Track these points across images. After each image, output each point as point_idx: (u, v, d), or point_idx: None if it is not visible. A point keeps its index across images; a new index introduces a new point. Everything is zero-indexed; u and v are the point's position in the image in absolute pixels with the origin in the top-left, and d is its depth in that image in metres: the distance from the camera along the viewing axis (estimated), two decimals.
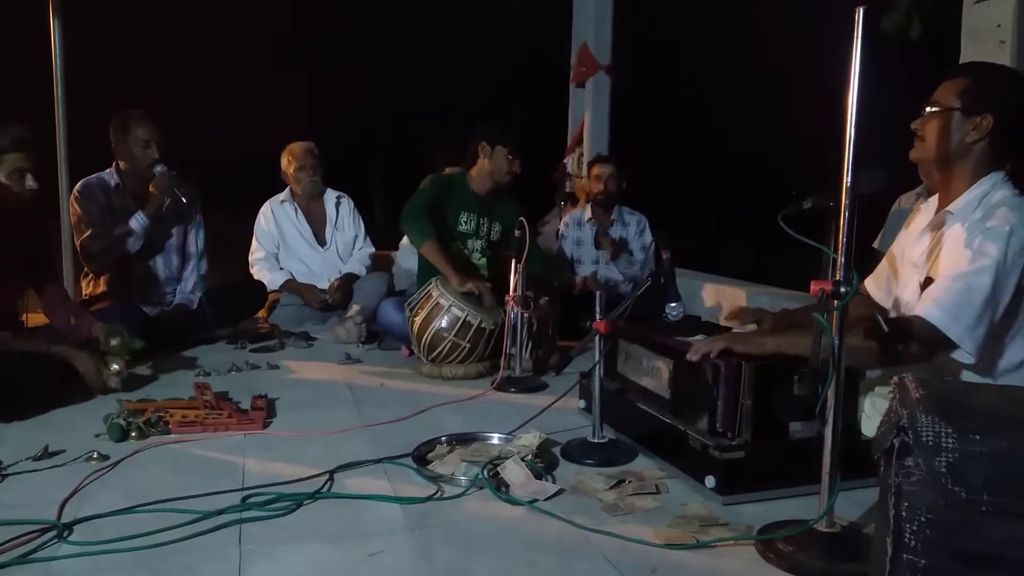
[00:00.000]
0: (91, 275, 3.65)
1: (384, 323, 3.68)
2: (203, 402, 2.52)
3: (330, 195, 4.48)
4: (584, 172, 5.06)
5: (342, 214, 4.48)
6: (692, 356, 2.00)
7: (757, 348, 1.96)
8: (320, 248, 4.41)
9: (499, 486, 1.93)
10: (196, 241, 3.88)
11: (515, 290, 3.06)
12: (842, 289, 1.51)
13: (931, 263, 1.99)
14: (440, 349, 3.11)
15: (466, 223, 3.62)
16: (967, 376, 1.93)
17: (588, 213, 4.55)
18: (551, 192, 5.97)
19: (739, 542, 1.66)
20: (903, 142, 2.05)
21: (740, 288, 4.23)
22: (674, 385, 2.10)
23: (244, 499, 1.85)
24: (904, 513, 1.16)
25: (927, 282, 1.95)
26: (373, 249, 4.51)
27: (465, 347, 3.10)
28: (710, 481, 1.86)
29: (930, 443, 1.13)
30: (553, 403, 2.49)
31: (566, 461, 2.16)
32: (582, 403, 2.60)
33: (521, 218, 3.18)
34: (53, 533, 1.66)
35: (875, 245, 3.41)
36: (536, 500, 1.86)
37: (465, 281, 3.23)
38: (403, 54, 16.12)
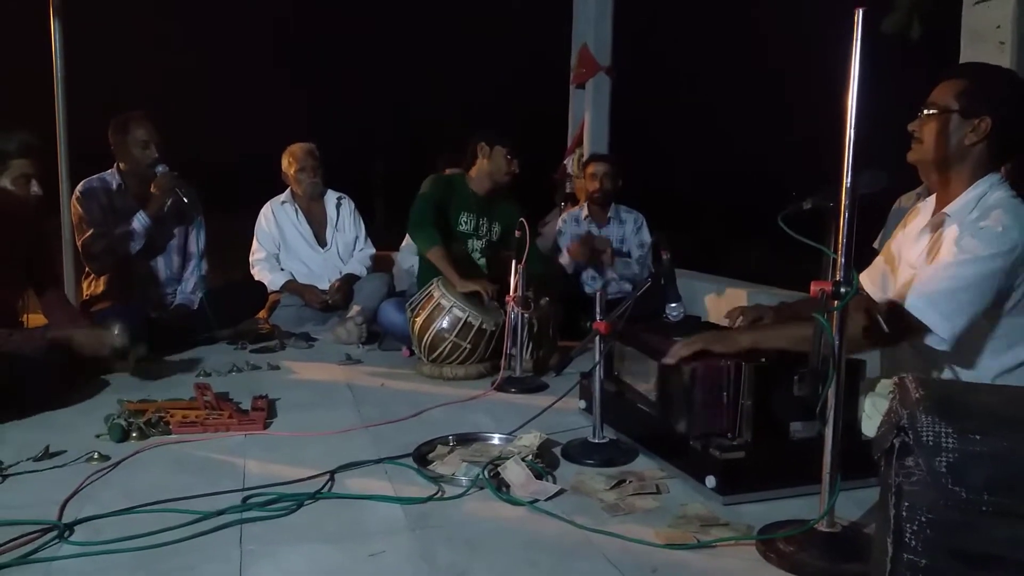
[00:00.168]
0: (92, 275, 3.66)
1: (385, 323, 3.69)
2: (204, 402, 2.52)
3: (331, 196, 4.49)
4: (582, 172, 5.05)
5: (343, 215, 4.48)
6: (669, 359, 2.00)
7: (732, 345, 1.97)
8: (320, 249, 4.41)
9: (500, 486, 1.93)
10: (197, 241, 3.89)
11: (515, 290, 3.06)
12: (842, 289, 1.51)
13: (928, 263, 1.99)
14: (441, 350, 3.11)
15: (466, 223, 3.63)
16: (965, 377, 1.94)
17: (585, 211, 4.56)
18: (551, 193, 5.97)
19: (740, 542, 1.66)
20: (903, 142, 2.05)
21: (740, 288, 4.23)
22: (659, 387, 2.10)
23: (245, 499, 1.86)
24: (904, 513, 1.16)
25: None
26: (374, 250, 4.52)
27: (466, 348, 3.10)
28: (711, 481, 1.86)
29: (930, 443, 1.13)
30: (553, 403, 2.49)
31: (567, 461, 2.16)
32: (582, 403, 2.61)
33: (521, 219, 3.18)
34: (54, 533, 1.66)
35: (875, 245, 3.41)
36: (537, 500, 1.86)
37: (468, 283, 3.23)
38: (403, 55, 16.13)
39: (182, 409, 2.50)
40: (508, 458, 2.01)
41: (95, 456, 2.13)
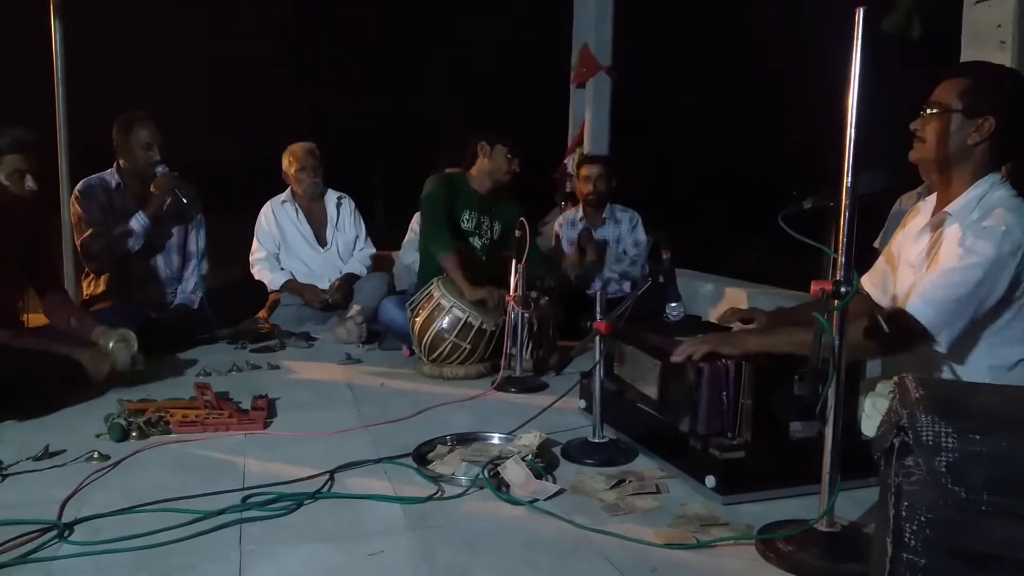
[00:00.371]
0: (92, 275, 3.66)
1: (385, 321, 3.69)
2: (204, 402, 2.52)
3: (331, 196, 4.49)
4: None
5: (343, 215, 4.48)
6: (676, 358, 2.00)
7: (740, 348, 1.97)
8: (321, 248, 4.41)
9: (499, 486, 1.93)
10: (197, 241, 3.89)
11: (515, 290, 3.06)
12: (842, 289, 1.51)
13: (929, 263, 1.99)
14: (441, 350, 3.11)
15: (468, 221, 3.63)
16: (966, 375, 1.94)
17: (581, 213, 4.56)
18: (551, 192, 5.97)
19: (739, 542, 1.66)
20: (904, 142, 2.04)
21: (741, 288, 4.22)
22: (661, 386, 2.10)
23: (245, 499, 1.86)
24: (904, 513, 1.16)
25: None
26: (374, 250, 4.52)
27: (466, 348, 3.10)
28: (710, 481, 1.86)
29: (930, 443, 1.13)
30: (553, 403, 2.49)
31: (566, 461, 2.17)
32: (582, 403, 2.61)
33: (521, 218, 3.18)
34: (54, 533, 1.67)
35: (876, 245, 3.41)
36: (536, 500, 1.87)
37: (477, 291, 3.23)
38: (404, 55, 16.12)
39: (182, 409, 2.50)
40: (508, 458, 2.02)
41: (95, 455, 2.13)
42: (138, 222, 3.55)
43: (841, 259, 1.52)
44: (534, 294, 3.18)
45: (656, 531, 1.70)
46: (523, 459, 2.01)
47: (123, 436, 2.29)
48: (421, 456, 2.14)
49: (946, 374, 1.99)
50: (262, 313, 4.19)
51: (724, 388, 1.93)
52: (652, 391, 2.15)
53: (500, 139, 3.59)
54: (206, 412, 2.48)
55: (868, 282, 2.28)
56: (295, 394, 2.85)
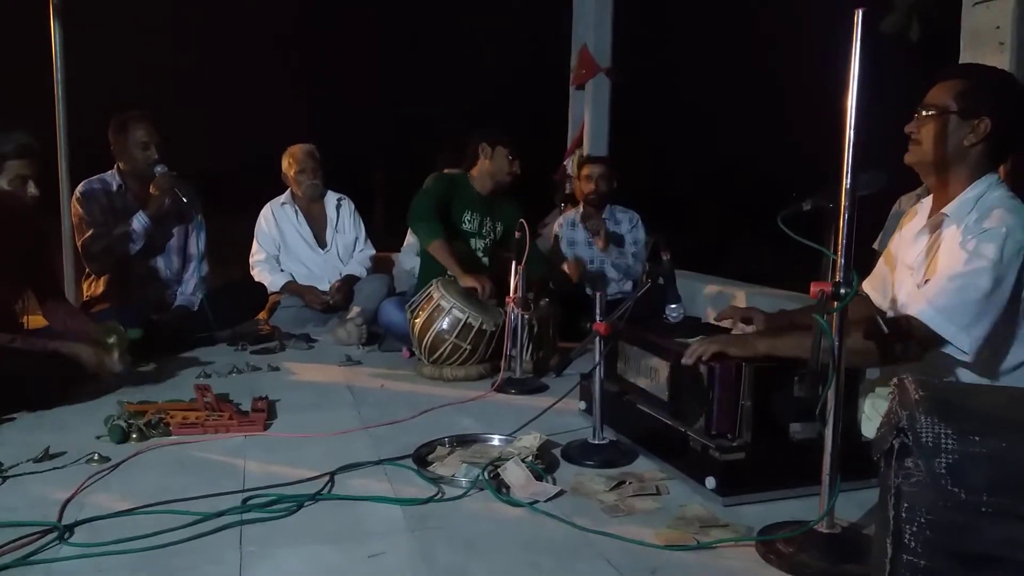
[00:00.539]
0: (92, 276, 3.66)
1: (385, 322, 3.69)
2: (204, 404, 2.52)
3: (331, 197, 4.49)
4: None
5: (343, 216, 4.49)
6: (687, 359, 2.00)
7: (750, 350, 1.96)
8: (320, 250, 4.41)
9: (499, 487, 1.93)
10: (197, 242, 3.90)
11: (515, 292, 3.06)
12: (842, 290, 1.51)
13: (928, 264, 1.99)
14: (441, 351, 3.11)
15: (469, 222, 3.63)
16: (966, 377, 1.94)
17: (580, 211, 4.56)
18: (551, 194, 5.97)
19: (739, 543, 1.66)
20: (902, 143, 2.04)
21: (740, 289, 4.23)
22: (672, 387, 2.10)
23: (245, 501, 1.86)
24: (904, 514, 1.16)
25: (924, 284, 1.96)
26: (374, 251, 4.52)
27: (466, 349, 3.10)
28: (710, 482, 1.87)
29: (930, 444, 1.13)
30: (553, 404, 2.49)
31: (566, 462, 2.17)
32: (582, 404, 2.61)
33: (521, 219, 3.18)
34: (54, 535, 1.66)
35: (875, 246, 3.41)
36: (536, 501, 1.87)
37: (469, 278, 3.24)
38: (403, 56, 16.13)
39: (182, 410, 2.50)
40: (508, 459, 2.02)
41: (95, 457, 2.13)
42: (139, 222, 3.55)
43: (840, 260, 1.52)
44: (533, 295, 3.18)
45: (656, 532, 1.70)
46: (523, 460, 2.01)
47: (123, 438, 2.29)
48: (421, 458, 2.14)
49: (949, 377, 1.98)
50: (262, 315, 4.19)
51: (727, 389, 1.93)
52: (661, 392, 2.15)
53: (501, 140, 3.59)
54: (206, 414, 2.48)
55: (869, 286, 2.28)
56: (295, 396, 2.85)
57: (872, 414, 1.97)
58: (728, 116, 14.04)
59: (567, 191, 5.67)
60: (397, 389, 3.02)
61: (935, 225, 2.02)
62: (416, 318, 3.18)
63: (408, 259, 4.36)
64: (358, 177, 10.99)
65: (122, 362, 2.78)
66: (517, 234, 3.14)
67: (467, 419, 2.61)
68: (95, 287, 3.65)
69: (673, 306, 2.30)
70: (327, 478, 2.00)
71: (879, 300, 2.23)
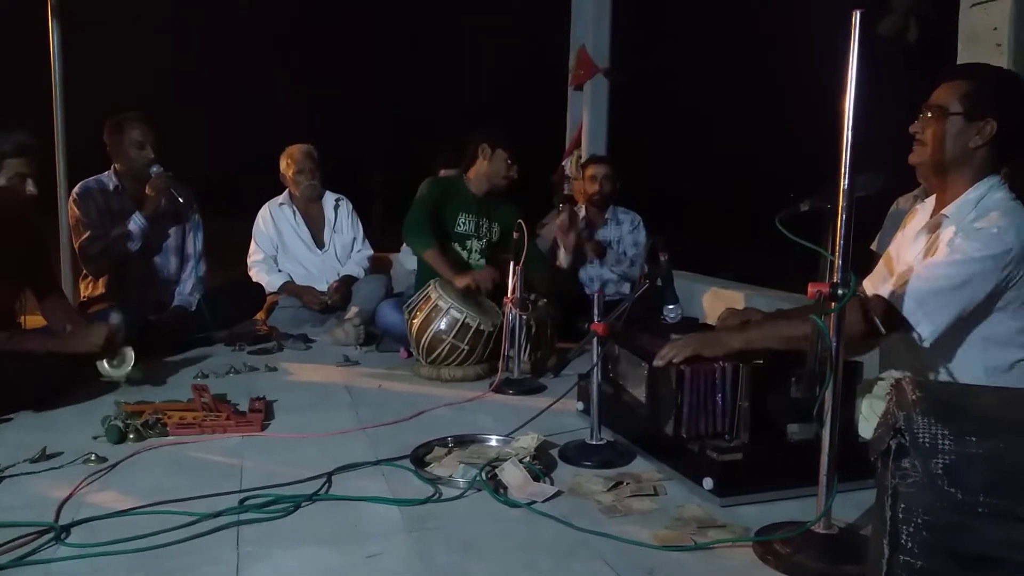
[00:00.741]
0: (90, 277, 3.66)
1: (383, 324, 3.68)
2: (201, 404, 2.51)
3: (329, 198, 4.49)
4: (580, 173, 5.06)
5: (340, 216, 4.49)
6: (658, 362, 2.00)
7: (723, 348, 1.97)
8: (318, 250, 4.41)
9: (497, 488, 1.93)
10: (194, 243, 3.89)
11: (513, 292, 3.06)
12: (839, 291, 1.51)
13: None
14: (439, 351, 3.11)
15: (465, 224, 3.63)
16: (961, 378, 1.94)
17: (583, 213, 4.56)
18: (550, 194, 5.97)
19: (737, 544, 1.66)
20: (901, 144, 2.05)
21: (738, 290, 4.23)
22: (649, 389, 2.10)
23: (242, 501, 1.85)
24: (901, 515, 1.16)
25: None
26: (371, 251, 4.52)
27: (464, 349, 3.10)
28: (708, 483, 1.87)
29: (926, 445, 1.13)
30: (551, 405, 2.49)
31: (564, 463, 2.16)
32: (580, 405, 2.61)
33: (519, 221, 3.18)
34: (51, 535, 1.66)
35: (873, 247, 3.41)
36: (534, 502, 1.87)
37: (464, 277, 3.24)
38: (402, 58, 16.14)
39: (179, 411, 2.50)
40: (506, 460, 2.02)
41: (92, 458, 2.12)
42: (135, 223, 3.55)
43: (838, 261, 1.52)
44: (532, 296, 3.18)
45: (654, 533, 1.70)
46: (521, 461, 2.01)
47: (120, 438, 2.29)
48: (419, 458, 2.14)
49: (943, 376, 1.99)
50: (260, 315, 4.19)
51: (719, 390, 1.93)
52: (640, 394, 2.15)
53: (502, 143, 3.59)
54: (203, 414, 2.47)
55: (869, 286, 2.28)
56: (293, 396, 2.85)
57: (869, 415, 1.97)
58: (727, 117, 14.06)
59: (565, 192, 5.67)
60: (395, 389, 3.02)
61: (935, 226, 2.02)
62: (414, 318, 3.18)
63: (408, 260, 4.36)
64: (357, 178, 10.98)
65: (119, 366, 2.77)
66: (515, 235, 3.14)
67: (465, 419, 2.60)
68: (93, 288, 3.65)
69: (671, 307, 2.30)
70: (324, 478, 2.00)
71: None
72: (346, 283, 4.23)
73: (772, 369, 1.91)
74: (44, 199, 3.05)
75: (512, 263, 3.09)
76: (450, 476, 2.00)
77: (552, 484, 1.97)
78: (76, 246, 3.59)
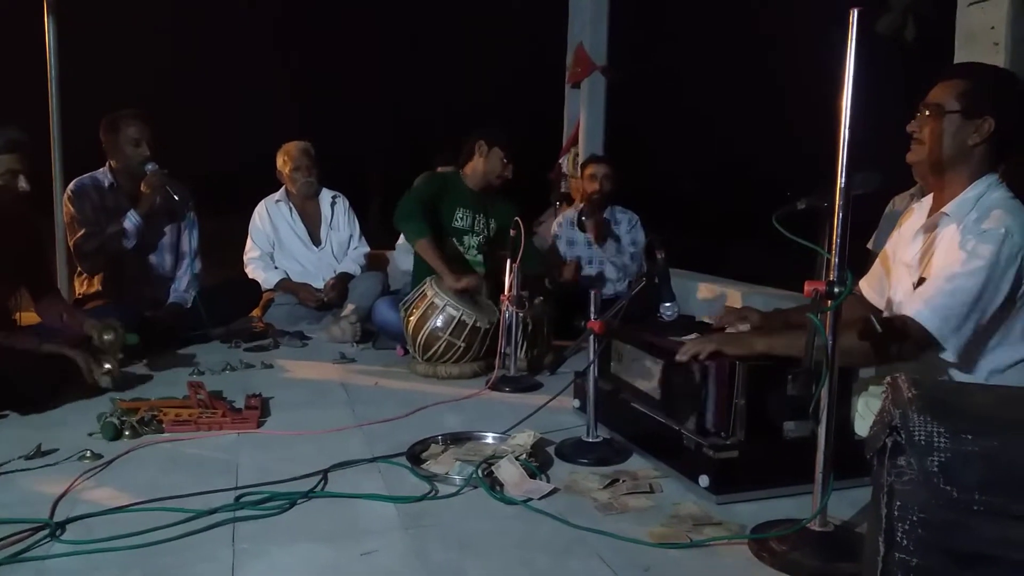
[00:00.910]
0: (85, 274, 3.65)
1: (379, 322, 3.68)
2: (197, 401, 2.51)
3: (325, 195, 4.48)
4: (578, 172, 5.06)
5: (337, 213, 4.48)
6: (681, 357, 2.00)
7: (746, 349, 1.96)
8: (315, 247, 4.40)
9: (493, 485, 1.93)
10: (190, 240, 3.88)
11: (510, 289, 3.06)
12: (836, 289, 1.51)
13: (924, 264, 2.00)
14: (435, 348, 3.11)
15: (462, 219, 3.63)
16: (957, 377, 1.94)
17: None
18: (547, 192, 5.97)
19: (732, 541, 1.66)
20: (898, 142, 2.05)
21: (735, 289, 4.23)
22: (664, 386, 2.11)
23: (238, 498, 1.85)
24: (896, 512, 1.16)
25: (920, 282, 1.96)
26: (368, 248, 4.51)
27: (460, 346, 3.10)
28: (704, 480, 1.87)
29: (922, 442, 1.13)
30: (548, 402, 2.49)
31: (560, 460, 2.17)
32: (576, 402, 2.61)
33: (516, 218, 3.18)
34: (46, 532, 1.66)
35: (869, 246, 3.41)
36: (530, 499, 1.86)
37: (459, 278, 3.24)
38: (400, 55, 16.13)
39: (175, 408, 2.49)
40: (502, 457, 2.02)
41: (87, 454, 2.12)
42: (131, 221, 3.54)
43: (835, 259, 1.53)
44: (528, 293, 3.18)
45: (650, 530, 1.70)
46: (517, 458, 2.01)
47: (116, 435, 2.28)
48: (415, 455, 2.14)
49: (941, 375, 1.99)
50: (256, 312, 4.19)
51: (719, 387, 1.93)
52: (654, 390, 2.15)
53: (500, 142, 3.59)
54: (199, 411, 2.47)
55: (866, 286, 2.28)
56: (289, 393, 2.85)
57: (865, 412, 1.97)
58: (725, 115, 14.07)
59: (562, 190, 5.67)
60: (391, 387, 3.02)
61: (933, 225, 2.02)
62: (410, 316, 3.18)
63: (402, 258, 4.36)
64: (356, 176, 10.97)
65: (111, 375, 2.76)
66: (512, 232, 3.14)
67: (461, 417, 2.60)
68: (88, 285, 3.64)
69: (667, 305, 2.30)
70: (321, 476, 2.00)
71: (876, 299, 2.23)
72: (342, 280, 4.23)
73: (769, 367, 1.91)
74: (40, 196, 3.04)
75: (509, 260, 3.09)
76: (446, 473, 2.00)
77: (548, 481, 1.97)
78: (71, 243, 3.58)
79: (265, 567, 1.55)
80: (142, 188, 3.58)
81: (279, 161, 4.39)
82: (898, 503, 1.16)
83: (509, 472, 1.95)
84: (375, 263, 4.60)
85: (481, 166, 3.60)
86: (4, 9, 5.36)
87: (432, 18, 14.78)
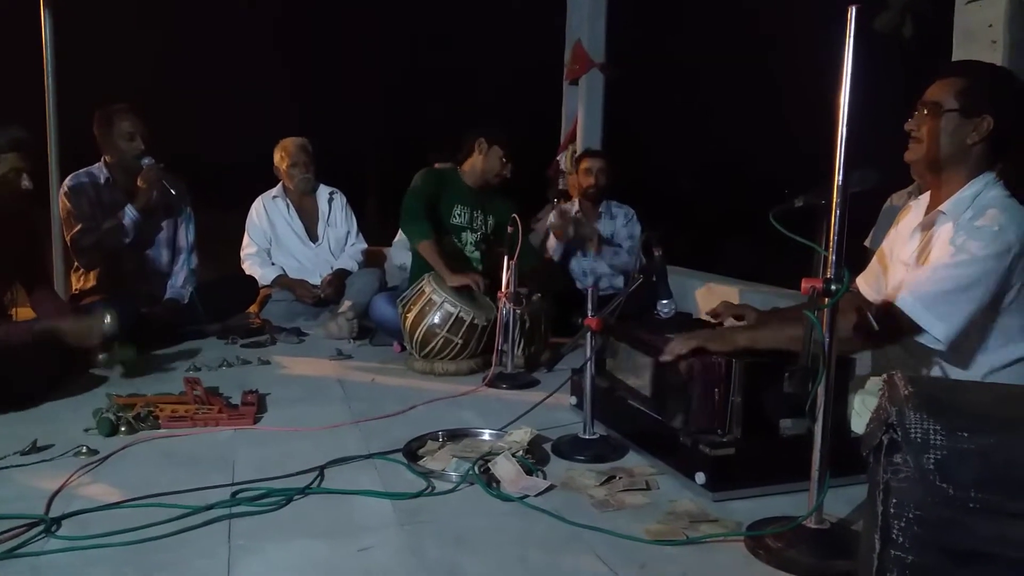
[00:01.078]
0: (81, 270, 3.64)
1: (376, 318, 3.68)
2: (193, 397, 2.51)
3: (323, 191, 4.48)
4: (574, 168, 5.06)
5: (334, 210, 4.48)
6: (666, 356, 2.00)
7: (729, 344, 1.97)
8: (312, 244, 4.40)
9: (490, 482, 1.93)
10: (187, 235, 3.87)
11: (507, 287, 3.06)
12: (833, 287, 1.51)
13: (921, 261, 2.00)
14: (432, 345, 3.11)
15: (460, 216, 3.63)
16: (955, 375, 1.95)
17: (576, 206, 4.55)
18: (545, 189, 5.97)
19: (728, 538, 1.66)
20: (895, 140, 2.05)
21: (732, 286, 4.23)
22: (654, 383, 2.11)
23: (234, 494, 1.85)
24: (892, 510, 1.16)
25: None
26: (365, 245, 4.51)
27: (457, 343, 3.10)
28: (700, 477, 1.87)
29: (918, 440, 1.13)
30: (544, 399, 2.48)
31: (557, 457, 2.17)
32: (573, 399, 2.61)
33: (513, 215, 3.18)
34: (41, 528, 1.65)
35: (866, 243, 3.42)
36: (527, 496, 1.86)
37: (459, 277, 3.23)
38: (398, 51, 16.10)
39: (171, 403, 2.49)
40: (498, 454, 2.02)
41: (83, 450, 2.12)
42: (128, 216, 3.53)
43: (832, 257, 1.53)
44: (525, 290, 3.18)
45: (646, 527, 1.70)
46: (514, 455, 2.01)
47: (112, 431, 2.28)
48: (411, 452, 2.14)
49: (939, 373, 1.99)
50: (253, 308, 4.18)
51: (715, 385, 1.93)
52: (645, 388, 2.15)
53: (499, 140, 3.59)
54: (196, 407, 2.47)
55: (863, 283, 2.29)
56: (285, 389, 2.85)
57: (862, 410, 1.97)
58: (724, 113, 14.05)
59: (560, 187, 5.66)
60: (388, 383, 3.02)
61: (930, 223, 2.02)
62: (408, 312, 3.18)
63: (399, 255, 4.35)
64: (353, 172, 10.95)
65: (111, 352, 2.76)
66: (509, 229, 3.14)
67: (458, 414, 2.60)
68: (85, 280, 3.63)
69: (664, 302, 2.30)
70: (317, 472, 2.00)
71: (873, 296, 2.24)
72: (340, 277, 4.23)
73: (765, 364, 1.91)
74: (36, 192, 3.03)
75: (506, 257, 3.09)
76: (443, 470, 2.00)
77: (545, 478, 1.97)
78: (68, 239, 3.57)
79: (261, 563, 1.54)
80: (138, 183, 3.57)
81: (276, 157, 4.39)
82: (894, 500, 1.16)
83: (506, 469, 1.95)
84: (372, 259, 4.60)
85: (480, 164, 3.60)
86: (0, 3, 5.35)
87: (431, 15, 14.75)
